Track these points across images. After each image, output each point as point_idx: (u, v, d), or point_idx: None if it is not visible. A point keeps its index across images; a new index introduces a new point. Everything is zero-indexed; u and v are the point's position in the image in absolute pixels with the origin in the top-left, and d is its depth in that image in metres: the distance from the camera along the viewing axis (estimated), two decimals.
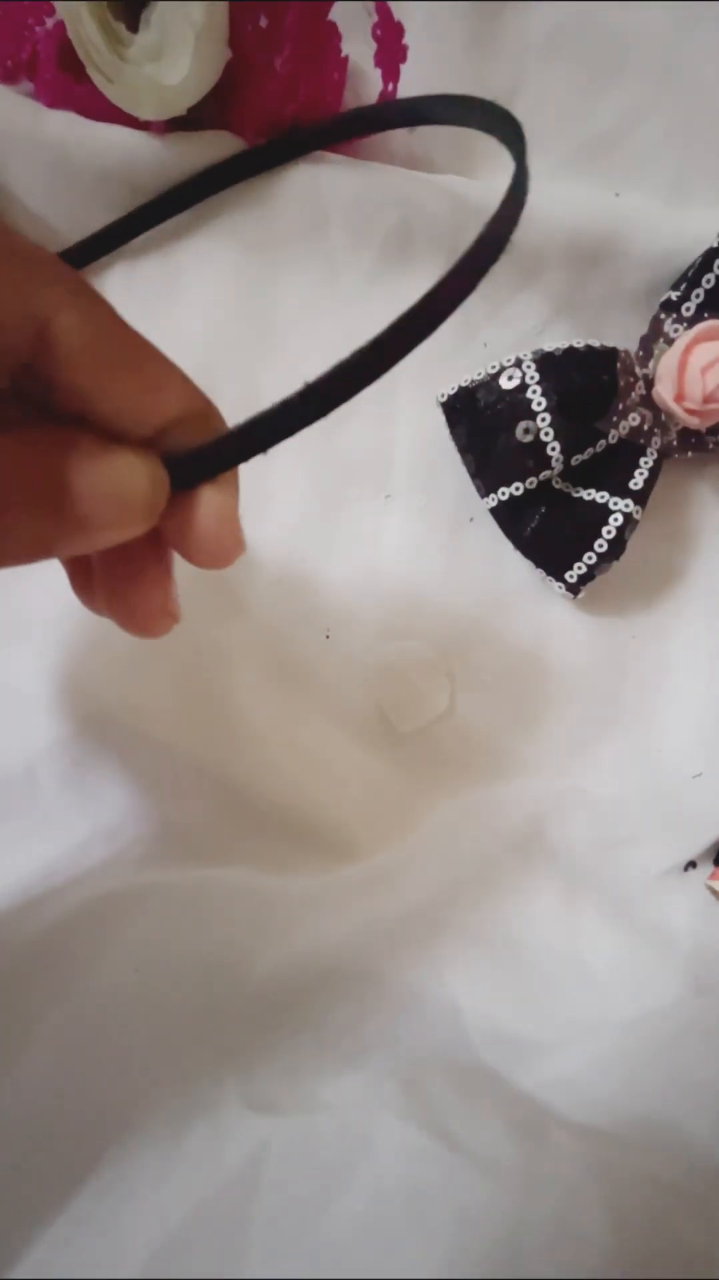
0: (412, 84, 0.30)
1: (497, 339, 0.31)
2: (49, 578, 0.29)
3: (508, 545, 0.31)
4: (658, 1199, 0.22)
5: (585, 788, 0.31)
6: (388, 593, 0.31)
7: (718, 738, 0.32)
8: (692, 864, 0.30)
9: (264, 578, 0.30)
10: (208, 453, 0.17)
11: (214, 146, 0.29)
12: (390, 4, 0.29)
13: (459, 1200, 0.21)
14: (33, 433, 0.16)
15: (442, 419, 0.30)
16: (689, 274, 0.30)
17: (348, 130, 0.30)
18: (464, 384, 0.29)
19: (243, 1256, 0.20)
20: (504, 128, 0.22)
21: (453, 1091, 0.24)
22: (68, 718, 0.28)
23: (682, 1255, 0.21)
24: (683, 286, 0.30)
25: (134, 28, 0.27)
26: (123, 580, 0.19)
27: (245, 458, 0.17)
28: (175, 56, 0.27)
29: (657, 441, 0.30)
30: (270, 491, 0.31)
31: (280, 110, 0.29)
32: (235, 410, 0.31)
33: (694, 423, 0.30)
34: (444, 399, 0.30)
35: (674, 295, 0.30)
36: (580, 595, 0.31)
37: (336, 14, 0.29)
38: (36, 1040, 0.24)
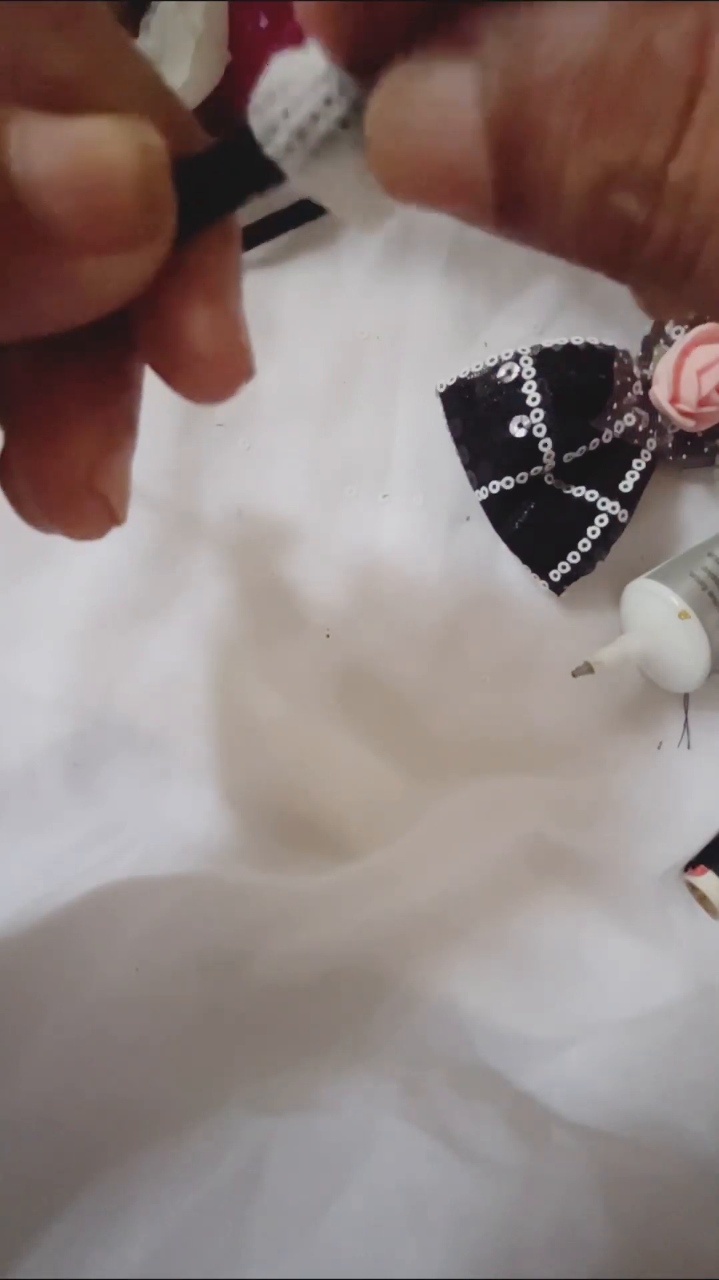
0: None
1: (498, 337, 0.31)
2: (50, 578, 0.29)
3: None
4: (658, 1199, 0.22)
5: (585, 787, 0.31)
6: (387, 592, 0.31)
7: (716, 738, 0.32)
8: (691, 863, 0.30)
9: (262, 576, 0.30)
10: (207, 166, 0.12)
11: None
12: None
13: (459, 1200, 0.21)
14: None
15: (440, 418, 0.30)
16: None
17: None
18: (463, 375, 0.30)
19: (243, 1257, 0.20)
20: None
21: (453, 1091, 0.24)
22: (68, 718, 0.28)
23: (682, 1255, 0.21)
24: None
25: (134, 33, 0.27)
26: (44, 429, 0.13)
27: (263, 181, 0.12)
28: (176, 61, 0.27)
29: (652, 444, 0.30)
30: (269, 490, 0.31)
31: None
32: (234, 411, 0.32)
33: (688, 425, 0.30)
34: (443, 389, 0.30)
35: None
36: (564, 594, 0.31)
37: None
38: (38, 1039, 0.24)
